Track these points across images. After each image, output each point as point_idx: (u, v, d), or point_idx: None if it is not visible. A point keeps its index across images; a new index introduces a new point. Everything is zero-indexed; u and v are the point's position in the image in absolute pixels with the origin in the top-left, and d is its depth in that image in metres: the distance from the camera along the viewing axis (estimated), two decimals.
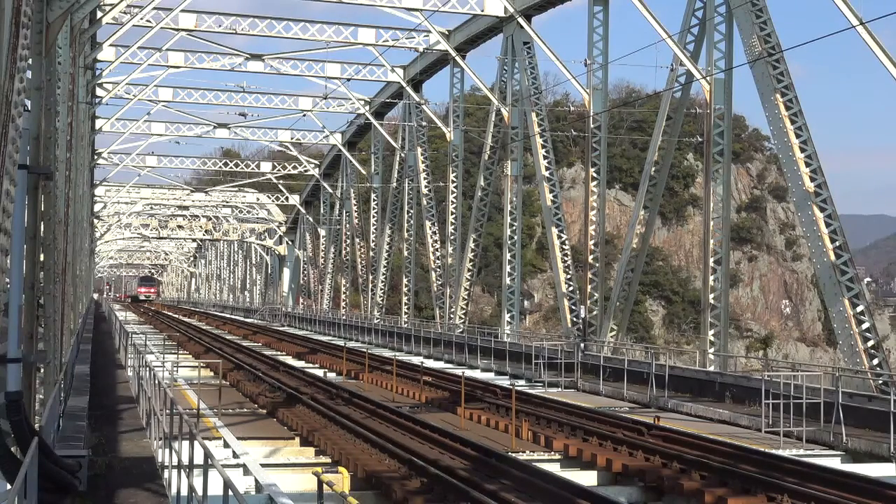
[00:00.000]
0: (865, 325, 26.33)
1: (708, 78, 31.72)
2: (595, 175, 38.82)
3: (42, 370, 16.30)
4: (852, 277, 26.81)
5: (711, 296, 31.66)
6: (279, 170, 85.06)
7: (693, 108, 37.04)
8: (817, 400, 20.33)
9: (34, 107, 15.80)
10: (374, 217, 67.93)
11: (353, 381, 32.62)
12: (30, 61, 14.33)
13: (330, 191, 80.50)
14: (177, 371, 31.16)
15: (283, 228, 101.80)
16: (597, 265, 38.21)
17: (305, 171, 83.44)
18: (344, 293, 79.36)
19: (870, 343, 26.18)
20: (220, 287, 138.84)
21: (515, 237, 45.37)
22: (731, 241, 37.45)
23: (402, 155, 59.36)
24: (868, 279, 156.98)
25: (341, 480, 15.68)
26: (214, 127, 69.94)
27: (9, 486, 8.76)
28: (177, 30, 46.65)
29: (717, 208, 31.96)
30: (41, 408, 15.30)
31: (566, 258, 41.23)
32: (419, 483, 15.31)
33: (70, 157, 23.42)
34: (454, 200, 51.69)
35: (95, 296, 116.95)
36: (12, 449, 9.92)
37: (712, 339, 31.41)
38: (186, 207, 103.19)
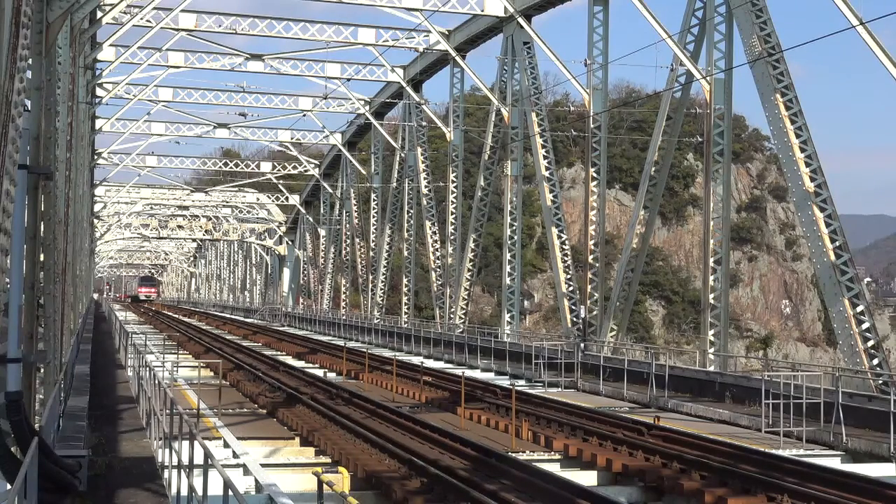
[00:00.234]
0: (865, 325, 26.33)
1: (708, 78, 31.72)
2: (595, 175, 38.82)
3: (42, 370, 16.30)
4: (852, 277, 26.81)
5: (711, 296, 31.66)
6: (279, 170, 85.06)
7: (693, 108, 37.04)
8: (817, 400, 20.34)
9: (34, 107, 15.80)
10: (374, 217, 67.94)
11: (353, 381, 32.62)
12: (30, 61, 14.33)
13: (330, 191, 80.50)
14: (177, 371, 31.17)
15: (283, 228, 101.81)
16: (597, 265, 38.21)
17: (305, 171, 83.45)
18: (344, 293, 79.36)
19: (870, 343, 26.18)
20: (220, 287, 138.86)
21: (515, 237, 45.37)
22: (731, 241, 37.45)
23: (402, 155, 59.37)
24: (868, 279, 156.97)
25: (341, 480, 15.68)
26: (214, 127, 69.95)
27: (9, 486, 8.76)
28: (177, 30, 46.65)
29: (717, 208, 31.95)
30: (41, 408, 15.30)
31: (566, 258, 41.23)
32: (419, 483, 15.31)
33: (70, 157, 23.42)
34: (454, 200, 51.69)
35: (95, 296, 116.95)
36: (12, 449, 9.92)
37: (712, 339, 31.40)
38: (186, 207, 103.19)
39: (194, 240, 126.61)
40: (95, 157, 63.98)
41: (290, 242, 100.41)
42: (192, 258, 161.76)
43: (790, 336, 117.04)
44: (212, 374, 32.76)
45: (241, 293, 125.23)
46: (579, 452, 18.10)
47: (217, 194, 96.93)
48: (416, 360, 39.47)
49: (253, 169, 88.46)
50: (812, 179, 27.65)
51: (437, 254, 54.57)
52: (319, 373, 35.37)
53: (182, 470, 11.67)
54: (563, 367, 31.58)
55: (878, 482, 14.86)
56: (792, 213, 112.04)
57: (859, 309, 26.46)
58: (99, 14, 32.11)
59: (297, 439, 20.41)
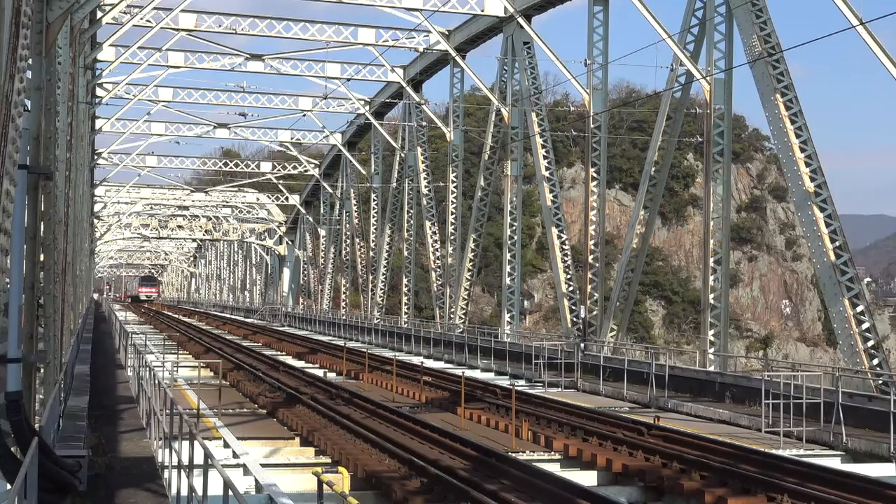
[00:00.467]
0: (865, 325, 26.33)
1: (708, 78, 31.72)
2: (595, 175, 38.82)
3: (42, 370, 16.30)
4: (852, 277, 26.81)
5: (711, 296, 31.66)
6: (279, 170, 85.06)
7: (693, 108, 37.02)
8: (817, 400, 20.34)
9: (34, 107, 15.80)
10: (374, 217, 67.93)
11: (353, 381, 32.62)
12: (30, 61, 14.32)
13: (330, 191, 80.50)
14: (177, 371, 31.15)
15: (283, 228, 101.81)
16: (597, 265, 38.21)
17: (305, 171, 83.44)
18: (344, 293, 79.36)
19: (870, 343, 26.18)
20: (220, 287, 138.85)
21: (515, 237, 45.37)
22: (731, 241, 37.45)
23: (402, 155, 59.36)
24: (868, 279, 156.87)
25: (341, 480, 15.68)
26: (214, 127, 69.94)
27: (9, 486, 8.76)
28: (177, 30, 46.64)
29: (717, 208, 31.95)
30: (41, 408, 15.30)
31: (566, 258, 41.23)
32: (419, 483, 15.31)
33: (70, 157, 23.42)
34: (454, 200, 51.69)
35: (95, 296, 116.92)
36: (12, 449, 9.92)
37: (712, 339, 31.40)
38: (186, 207, 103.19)
39: (194, 240, 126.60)
40: (95, 157, 63.98)
41: (290, 242, 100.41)
42: (192, 258, 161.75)
43: (790, 336, 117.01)
44: (212, 374, 32.77)
45: (241, 293, 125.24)
46: (579, 452, 18.09)
47: (217, 194, 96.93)
48: (416, 360, 39.46)
49: (253, 169, 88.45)
50: (812, 179, 27.65)
51: (437, 254, 54.56)
52: (319, 373, 35.37)
53: (182, 470, 11.67)
54: (563, 367, 31.58)
55: (878, 482, 14.86)
56: (792, 213, 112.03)
57: (859, 309, 26.46)
58: (99, 14, 32.10)
59: (297, 439, 20.41)
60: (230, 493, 8.74)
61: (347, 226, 74.82)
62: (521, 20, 42.38)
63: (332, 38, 48.99)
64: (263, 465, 16.66)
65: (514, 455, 17.57)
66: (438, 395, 27.27)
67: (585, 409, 22.90)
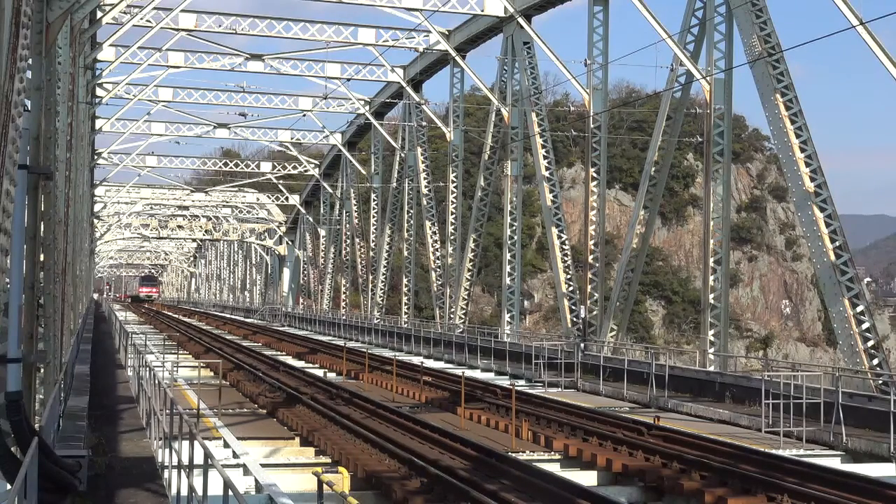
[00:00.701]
0: (865, 325, 26.33)
1: (708, 78, 31.71)
2: (595, 175, 38.82)
3: (42, 370, 16.30)
4: (852, 277, 26.81)
5: (711, 296, 31.65)
6: (279, 170, 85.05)
7: (693, 108, 37.01)
8: (817, 400, 20.34)
9: (34, 107, 15.80)
10: (374, 217, 67.93)
11: (353, 381, 32.61)
12: (30, 61, 14.32)
13: (330, 191, 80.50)
14: (177, 371, 31.15)
15: (283, 228, 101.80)
16: (597, 265, 38.21)
17: (305, 171, 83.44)
18: (344, 293, 79.36)
19: (870, 343, 26.18)
20: (220, 287, 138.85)
21: (515, 237, 45.37)
22: (731, 241, 37.44)
23: (402, 155, 59.36)
24: (868, 279, 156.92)
25: (341, 480, 15.68)
26: (214, 127, 69.94)
27: (9, 486, 8.76)
28: (177, 30, 46.64)
29: (717, 208, 31.95)
30: (41, 408, 15.30)
31: (566, 258, 41.23)
32: (419, 483, 15.31)
33: (70, 157, 23.42)
34: (454, 200, 51.69)
35: (95, 296, 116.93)
36: (12, 449, 9.92)
37: (712, 339, 31.40)
38: (186, 207, 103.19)
39: (194, 240, 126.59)
40: (95, 157, 63.97)
41: (290, 242, 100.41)
42: (192, 258, 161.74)
43: (790, 336, 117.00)
44: (212, 374, 32.77)
45: (241, 293, 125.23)
46: (579, 452, 18.09)
47: (217, 194, 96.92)
48: (416, 360, 39.46)
49: (253, 169, 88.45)
50: (812, 179, 27.65)
51: (437, 254, 54.56)
52: (319, 373, 35.37)
53: (182, 470, 11.67)
54: (563, 367, 31.58)
55: (878, 482, 14.86)
56: (792, 213, 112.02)
57: (859, 309, 26.45)
58: (99, 14, 32.10)
59: (297, 439, 20.41)
60: (230, 493, 8.74)
61: (347, 226, 74.82)
62: (521, 20, 42.38)
63: (332, 38, 48.99)
64: (263, 465, 16.66)
65: (514, 455, 17.56)
66: (438, 395, 27.28)
67: (585, 409, 22.90)
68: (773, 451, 18.12)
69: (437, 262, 54.21)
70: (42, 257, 16.46)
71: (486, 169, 47.93)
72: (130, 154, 72.49)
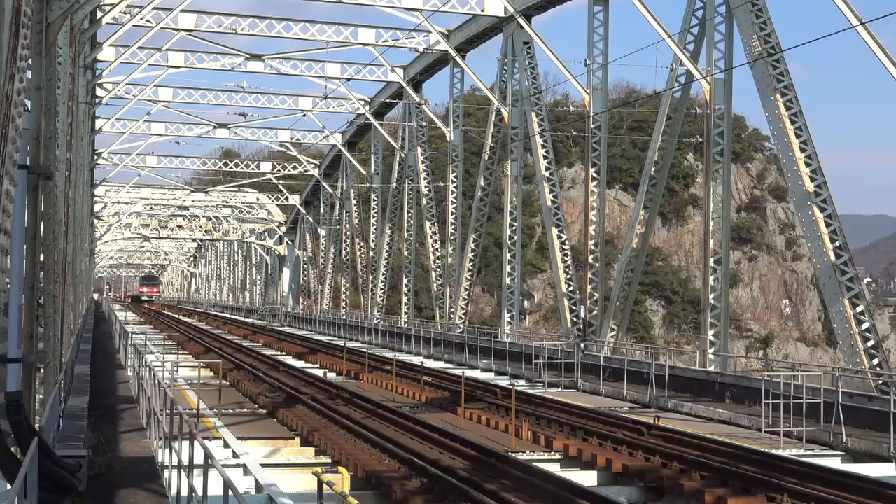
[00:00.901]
0: (865, 325, 26.32)
1: (708, 78, 31.71)
2: (595, 175, 38.82)
3: (42, 370, 16.30)
4: (852, 277, 26.80)
5: (711, 296, 31.65)
6: (279, 170, 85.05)
7: (693, 108, 37.01)
8: (817, 400, 20.33)
9: (34, 107, 15.80)
10: (374, 217, 67.93)
11: (353, 381, 32.61)
12: (30, 61, 14.32)
13: (330, 191, 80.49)
14: (177, 371, 31.16)
15: (283, 228, 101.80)
16: (597, 265, 38.20)
17: (305, 171, 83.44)
18: (344, 293, 79.36)
19: (870, 343, 26.18)
20: (220, 287, 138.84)
21: (515, 237, 45.37)
22: (731, 241, 37.43)
23: (402, 155, 59.36)
24: (868, 279, 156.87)
25: (341, 480, 15.68)
26: (214, 127, 69.94)
27: (9, 486, 8.76)
28: (177, 30, 46.63)
29: (717, 208, 31.95)
30: (41, 408, 15.30)
31: (566, 258, 41.22)
32: (419, 483, 15.31)
33: (70, 157, 23.42)
34: (454, 200, 51.69)
35: (95, 296, 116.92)
36: (12, 449, 9.92)
37: (712, 339, 31.40)
38: (186, 207, 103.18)
39: (194, 240, 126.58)
40: (95, 157, 63.96)
41: (290, 242, 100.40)
42: (192, 258, 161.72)
43: (790, 336, 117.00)
44: (212, 374, 32.77)
45: (241, 293, 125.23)
46: (579, 452, 18.10)
47: (217, 194, 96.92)
48: (416, 360, 39.47)
49: (253, 169, 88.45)
50: (812, 179, 27.65)
51: (437, 254, 54.56)
52: (319, 373, 35.37)
53: (182, 470, 11.67)
54: (563, 367, 31.58)
55: (878, 482, 14.86)
56: (792, 213, 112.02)
57: (859, 309, 26.45)
58: (99, 14, 32.09)
59: (297, 439, 20.41)
60: (230, 493, 8.74)
61: (347, 226, 74.81)
62: (521, 20, 42.38)
63: (332, 38, 48.98)
64: (263, 465, 16.66)
65: (514, 455, 17.57)
66: (438, 395, 27.28)
67: (585, 409, 22.90)
68: (773, 451, 18.12)
69: (437, 262, 54.21)
70: (42, 257, 16.46)
71: (486, 169, 47.93)
72: (130, 154, 72.48)
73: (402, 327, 52.36)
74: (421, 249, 64.38)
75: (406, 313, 58.65)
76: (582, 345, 33.21)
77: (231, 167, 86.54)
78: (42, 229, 16.44)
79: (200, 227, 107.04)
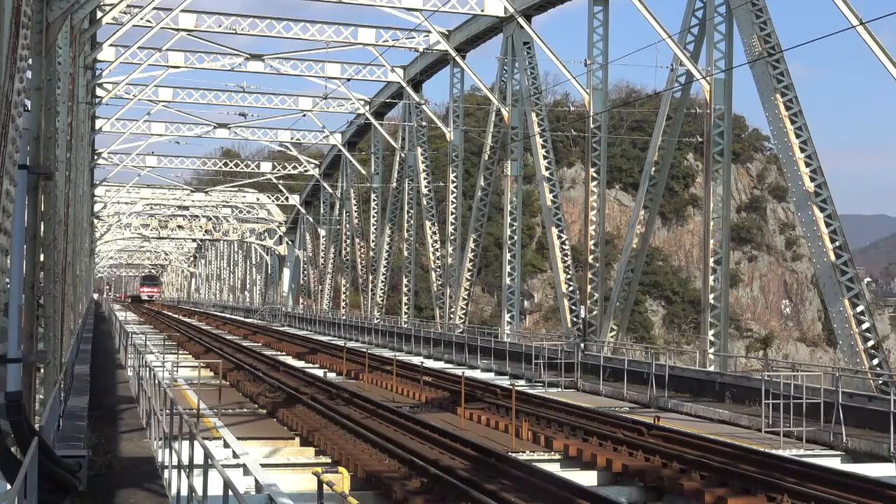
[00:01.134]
0: (865, 325, 26.32)
1: (708, 78, 31.71)
2: (595, 175, 38.82)
3: (42, 370, 16.30)
4: (852, 277, 26.80)
5: (711, 296, 31.65)
6: (279, 170, 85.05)
7: (693, 108, 37.00)
8: (817, 400, 20.33)
9: (34, 107, 15.81)
10: (374, 217, 67.93)
11: (353, 382, 32.61)
12: (30, 61, 14.32)
13: (330, 191, 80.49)
14: (177, 371, 31.15)
15: (283, 228, 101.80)
16: (597, 265, 38.21)
17: (305, 171, 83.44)
18: (344, 293, 79.36)
19: (870, 343, 26.17)
20: (220, 287, 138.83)
21: (515, 237, 45.37)
22: (731, 241, 37.44)
23: (402, 155, 59.36)
24: (868, 279, 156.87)
25: (341, 480, 15.68)
26: (214, 127, 69.95)
27: (9, 486, 8.76)
28: (177, 30, 46.63)
29: (717, 208, 31.95)
30: (41, 408, 15.30)
31: (566, 258, 41.22)
32: (419, 483, 15.31)
33: (70, 157, 23.42)
34: (454, 200, 51.69)
35: (95, 296, 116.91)
36: (12, 449, 9.92)
37: (712, 339, 31.40)
38: (186, 207, 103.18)
39: (194, 240, 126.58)
40: (95, 157, 63.97)
41: (290, 242, 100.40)
42: (192, 258, 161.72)
43: (790, 336, 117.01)
44: (212, 374, 32.77)
45: (241, 293, 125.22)
46: (579, 452, 18.10)
47: (217, 194, 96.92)
48: (416, 360, 39.47)
49: (253, 169, 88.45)
50: (812, 179, 27.64)
51: (437, 254, 54.56)
52: (319, 373, 35.37)
53: (182, 470, 11.67)
54: (563, 367, 31.57)
55: (878, 482, 14.86)
56: (792, 213, 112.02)
57: (859, 309, 26.45)
58: (99, 14, 32.09)
59: (297, 439, 20.41)
60: (230, 493, 8.74)
61: (347, 226, 74.81)
62: (521, 20, 42.38)
63: (332, 38, 48.98)
64: (263, 465, 16.66)
65: (514, 455, 17.57)
66: (438, 395, 27.28)
67: (585, 409, 22.90)
68: (773, 451, 18.12)
69: (437, 262, 54.22)
70: (42, 257, 16.46)
71: (486, 169, 47.93)
72: (130, 154, 72.48)
73: (402, 327, 52.36)
74: (421, 249, 64.38)
75: (406, 313, 58.64)
76: (582, 345, 33.21)
77: (231, 167, 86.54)
78: (42, 229, 16.44)
79: (200, 227, 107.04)
